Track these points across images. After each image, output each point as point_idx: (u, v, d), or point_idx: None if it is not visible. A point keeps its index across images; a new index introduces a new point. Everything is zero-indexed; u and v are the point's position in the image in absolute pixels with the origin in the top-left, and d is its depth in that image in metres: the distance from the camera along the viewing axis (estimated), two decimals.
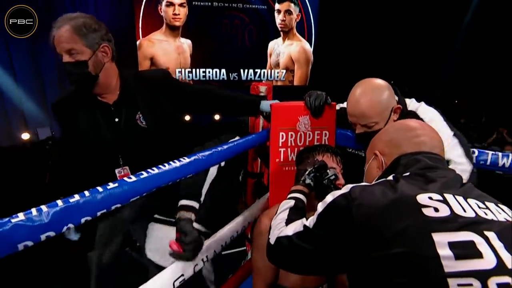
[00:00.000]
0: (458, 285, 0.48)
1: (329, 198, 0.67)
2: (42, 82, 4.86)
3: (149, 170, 0.80)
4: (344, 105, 1.38)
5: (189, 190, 1.11)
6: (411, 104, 1.19)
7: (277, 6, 6.03)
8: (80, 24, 1.04)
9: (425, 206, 0.55)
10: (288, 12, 6.08)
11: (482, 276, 0.48)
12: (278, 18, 6.10)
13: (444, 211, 0.54)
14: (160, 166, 0.83)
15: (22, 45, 4.43)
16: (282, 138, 1.29)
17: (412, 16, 5.89)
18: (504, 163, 1.11)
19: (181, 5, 5.60)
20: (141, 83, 1.22)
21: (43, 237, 0.60)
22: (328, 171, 1.01)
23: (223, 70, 6.19)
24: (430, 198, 0.57)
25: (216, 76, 6.02)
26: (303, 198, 0.94)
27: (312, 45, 6.32)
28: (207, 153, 0.96)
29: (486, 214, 0.55)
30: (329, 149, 1.13)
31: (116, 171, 1.18)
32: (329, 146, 1.18)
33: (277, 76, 6.44)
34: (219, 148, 1.02)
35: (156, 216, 1.29)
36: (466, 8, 5.68)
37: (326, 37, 6.20)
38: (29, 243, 0.58)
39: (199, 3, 5.79)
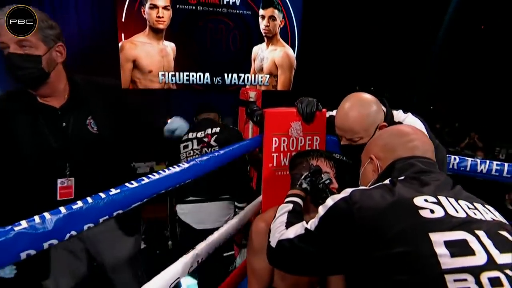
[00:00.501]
0: (454, 280, 0.52)
1: (330, 202, 0.70)
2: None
3: (149, 175, 0.80)
4: (333, 113, 1.43)
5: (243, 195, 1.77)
6: (398, 115, 1.24)
7: (261, 11, 6.11)
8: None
9: (421, 208, 0.59)
10: (272, 18, 6.17)
11: (475, 271, 0.53)
12: (262, 24, 6.18)
13: (439, 212, 0.59)
14: (160, 171, 0.83)
15: None
16: (275, 144, 1.32)
17: (393, 24, 6.14)
18: (482, 169, 1.19)
19: (165, 7, 5.56)
20: (94, 87, 1.17)
21: (46, 245, 0.59)
22: (322, 175, 1.04)
23: (207, 74, 6.18)
24: (426, 200, 0.61)
25: (200, 80, 6.00)
26: (300, 202, 0.96)
27: (295, 50, 6.44)
28: (204, 158, 0.97)
29: (475, 214, 0.60)
30: (322, 154, 1.16)
31: (59, 181, 1.07)
32: (322, 151, 1.22)
33: (261, 81, 6.51)
34: (216, 154, 1.03)
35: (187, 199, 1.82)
36: (443, 13, 5.99)
37: (309, 43, 6.35)
38: (32, 252, 0.57)
39: (183, 6, 5.76)
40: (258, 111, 1.84)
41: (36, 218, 0.59)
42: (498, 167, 1.18)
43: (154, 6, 5.47)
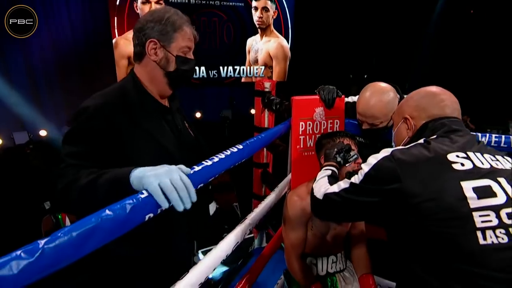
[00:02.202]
0: (480, 215, 0.70)
1: (373, 160, 0.83)
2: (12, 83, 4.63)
3: (230, 149, 0.97)
4: (349, 99, 1.60)
5: None
6: None
7: (254, 3, 6.16)
8: None
9: (454, 163, 0.76)
10: (265, 9, 6.24)
11: (496, 208, 0.70)
12: (255, 15, 6.23)
13: (468, 165, 0.75)
14: (235, 147, 1.00)
15: None
16: (302, 127, 1.48)
17: (385, 12, 6.29)
18: (482, 141, 1.38)
19: (157, 2, 5.56)
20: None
21: (159, 210, 0.73)
22: (351, 152, 1.21)
23: (203, 68, 6.22)
24: (457, 156, 0.77)
25: (196, 74, 6.05)
26: (336, 171, 1.12)
27: (289, 41, 6.53)
28: (254, 139, 1.13)
29: (497, 164, 0.77)
30: (347, 134, 1.32)
31: None
32: (347, 132, 1.38)
33: (256, 73, 6.58)
34: (260, 136, 1.19)
35: None
36: (433, 7, 6.21)
37: (302, 33, 6.43)
38: (151, 215, 0.71)
39: (176, 0, 5.76)
40: (276, 100, 1.98)
41: None
42: (496, 139, 1.37)
43: (146, 1, 5.47)
